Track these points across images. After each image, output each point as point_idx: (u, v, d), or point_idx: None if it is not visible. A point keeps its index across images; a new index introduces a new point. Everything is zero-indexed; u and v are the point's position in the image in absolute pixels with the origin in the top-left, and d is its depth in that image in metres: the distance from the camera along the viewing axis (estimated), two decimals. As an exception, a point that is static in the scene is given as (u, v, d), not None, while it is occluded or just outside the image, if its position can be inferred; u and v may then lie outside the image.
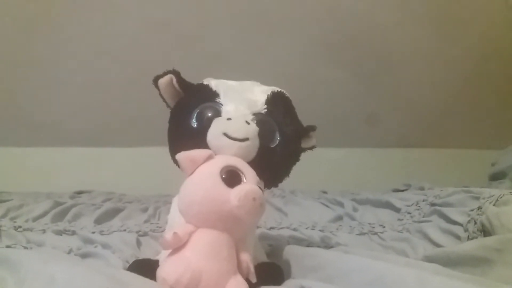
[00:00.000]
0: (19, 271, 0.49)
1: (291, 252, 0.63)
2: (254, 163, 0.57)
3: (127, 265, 0.62)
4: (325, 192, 1.29)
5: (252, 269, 0.52)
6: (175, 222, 0.58)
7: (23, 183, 1.36)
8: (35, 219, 0.92)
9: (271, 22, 1.40)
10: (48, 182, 1.40)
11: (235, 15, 1.36)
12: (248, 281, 0.51)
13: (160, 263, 0.52)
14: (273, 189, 1.27)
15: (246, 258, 0.53)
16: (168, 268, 0.48)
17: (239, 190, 0.51)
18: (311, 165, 1.40)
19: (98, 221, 0.94)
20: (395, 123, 1.63)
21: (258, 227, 0.91)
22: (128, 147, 1.54)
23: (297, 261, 0.61)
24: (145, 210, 1.05)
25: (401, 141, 1.67)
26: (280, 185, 1.37)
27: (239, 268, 0.52)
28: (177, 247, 0.51)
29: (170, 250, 0.52)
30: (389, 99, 1.59)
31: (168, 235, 0.50)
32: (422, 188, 1.15)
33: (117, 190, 1.35)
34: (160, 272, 0.48)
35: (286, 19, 1.40)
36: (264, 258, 0.65)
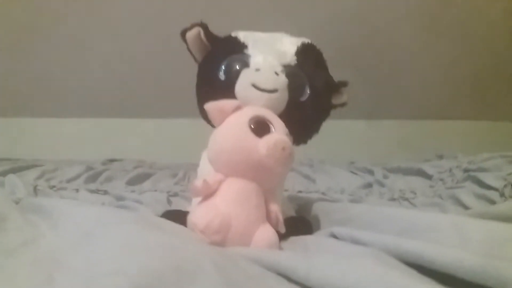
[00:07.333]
0: (52, 216, 0.50)
1: (319, 208, 0.63)
2: (283, 117, 0.56)
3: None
4: (354, 163, 1.28)
5: (281, 219, 0.52)
6: (204, 174, 0.58)
7: (56, 152, 1.40)
8: (69, 181, 0.95)
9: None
10: (79, 152, 1.44)
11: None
12: (277, 232, 0.51)
13: (190, 211, 0.53)
14: (301, 158, 1.28)
15: (275, 208, 0.53)
16: (199, 214, 0.49)
17: (268, 139, 0.51)
18: (340, 138, 1.39)
19: (130, 182, 0.96)
20: (426, 93, 1.58)
21: (286, 190, 0.91)
22: (158, 118, 1.56)
23: (325, 216, 0.60)
24: (174, 175, 1.07)
25: (434, 113, 1.62)
26: (308, 155, 1.36)
27: (268, 219, 0.52)
28: (207, 195, 0.51)
29: (199, 199, 0.53)
30: (420, 70, 1.54)
31: (198, 182, 0.50)
32: (455, 157, 1.12)
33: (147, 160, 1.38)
34: (191, 217, 0.49)
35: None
36: (292, 214, 0.65)
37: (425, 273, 0.31)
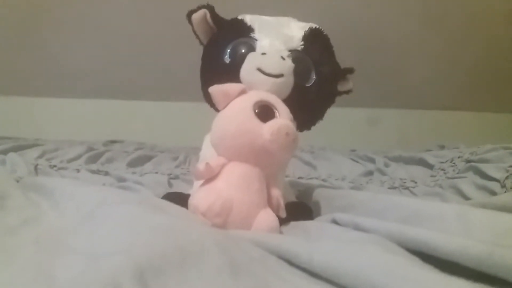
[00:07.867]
0: (54, 196, 0.50)
1: (321, 194, 0.63)
2: (288, 102, 0.55)
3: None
4: (355, 151, 1.28)
5: (282, 204, 0.52)
6: (207, 157, 0.57)
7: (57, 133, 1.39)
8: (70, 161, 0.95)
9: None
10: (80, 132, 1.43)
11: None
12: (277, 216, 0.51)
13: (191, 194, 0.53)
14: (302, 144, 1.27)
15: (277, 193, 0.53)
16: (200, 196, 0.48)
17: (272, 124, 0.50)
18: (341, 125, 1.39)
19: (131, 164, 0.95)
20: (429, 84, 1.57)
21: (286, 176, 0.91)
22: (160, 101, 1.55)
23: (326, 202, 0.60)
24: (175, 158, 1.07)
25: (436, 103, 1.61)
26: (309, 141, 1.36)
27: (269, 203, 0.52)
28: (209, 178, 0.51)
29: (201, 182, 0.52)
30: (423, 60, 1.53)
31: (201, 165, 0.50)
32: (457, 148, 1.11)
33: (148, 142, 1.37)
34: (193, 199, 0.49)
35: None
36: (293, 199, 0.65)
37: (427, 261, 0.31)
